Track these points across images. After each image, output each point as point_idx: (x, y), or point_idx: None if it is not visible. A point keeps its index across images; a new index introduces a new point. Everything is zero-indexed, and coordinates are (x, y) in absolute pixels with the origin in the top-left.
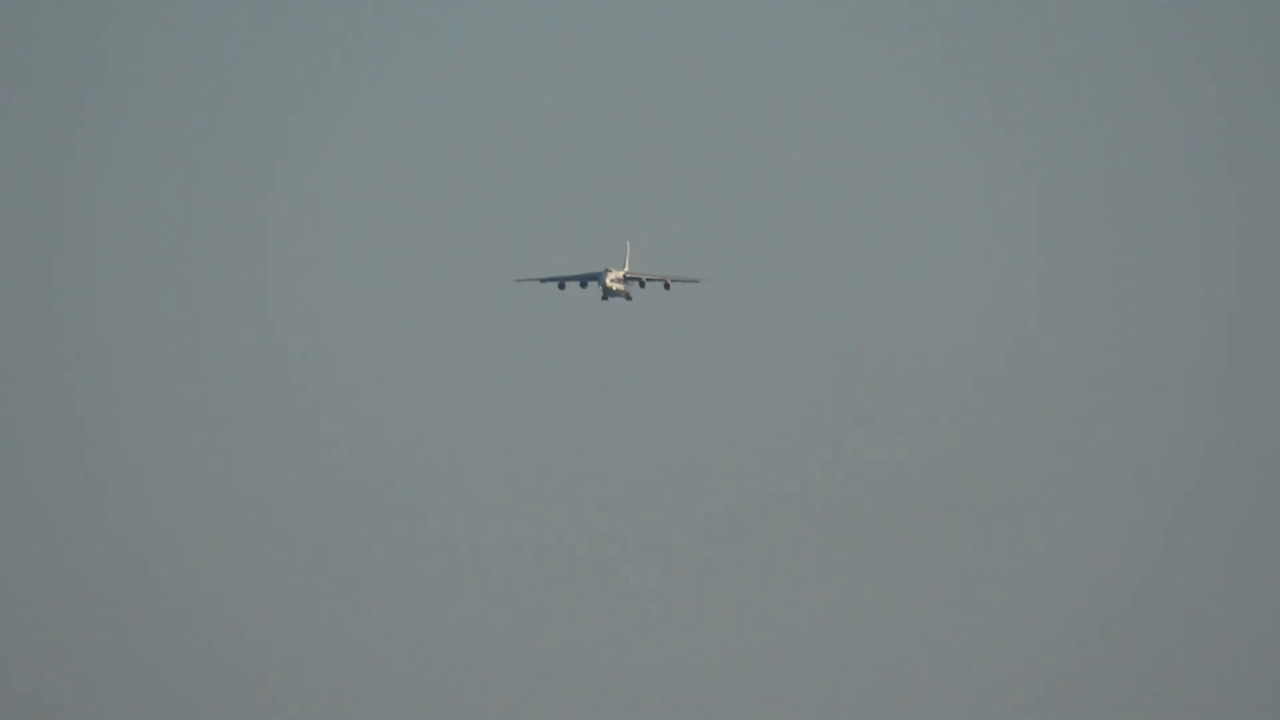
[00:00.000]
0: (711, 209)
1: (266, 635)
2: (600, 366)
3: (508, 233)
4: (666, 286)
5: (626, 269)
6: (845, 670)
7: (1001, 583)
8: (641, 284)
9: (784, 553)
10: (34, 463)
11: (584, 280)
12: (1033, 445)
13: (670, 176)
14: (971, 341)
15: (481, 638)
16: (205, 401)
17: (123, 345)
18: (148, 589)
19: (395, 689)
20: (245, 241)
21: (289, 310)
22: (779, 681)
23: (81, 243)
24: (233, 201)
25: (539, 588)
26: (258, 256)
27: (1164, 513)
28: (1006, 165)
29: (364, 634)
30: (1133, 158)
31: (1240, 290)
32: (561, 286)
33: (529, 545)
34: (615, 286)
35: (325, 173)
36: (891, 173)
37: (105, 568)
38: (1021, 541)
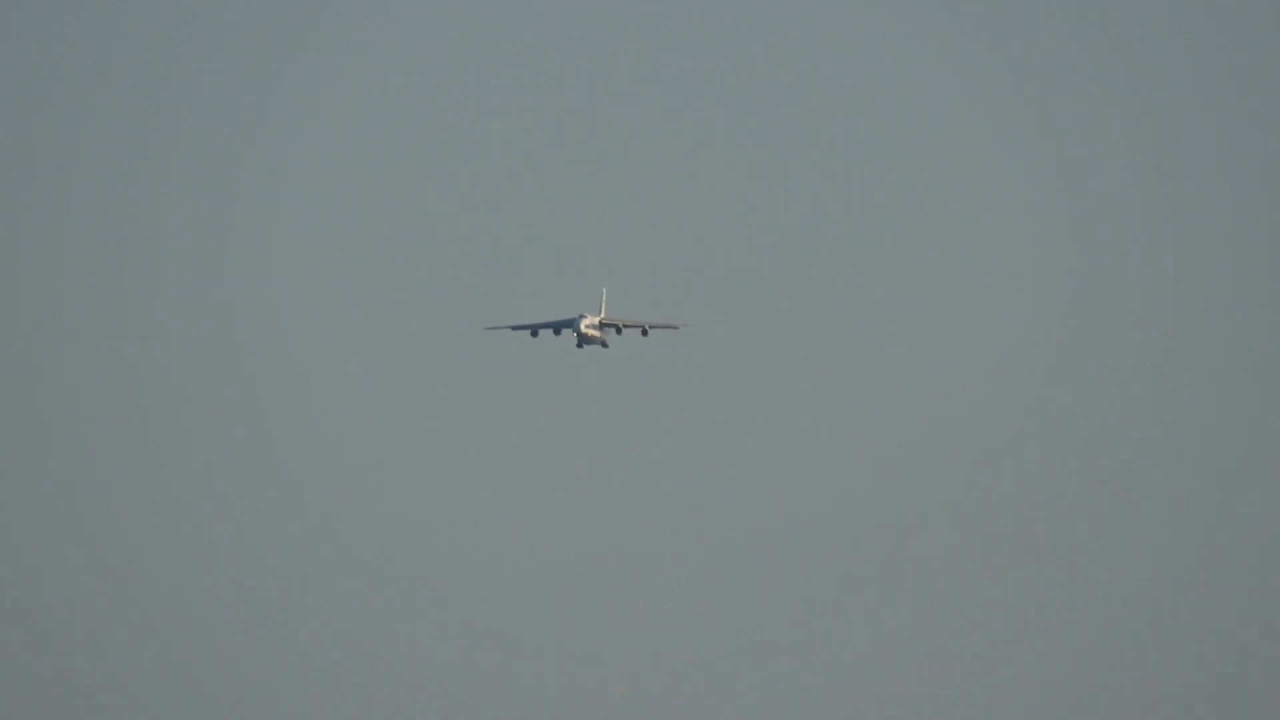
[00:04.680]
0: (690, 253)
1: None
2: (576, 418)
3: (477, 278)
4: (644, 333)
5: (603, 315)
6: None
7: (1009, 610)
8: (618, 330)
9: (767, 598)
10: (32, 463)
11: (558, 327)
12: (1040, 474)
13: (647, 219)
14: (964, 373)
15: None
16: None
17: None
18: (143, 590)
19: None
20: (217, 290)
21: (257, 360)
22: None
23: (74, 249)
24: (204, 247)
25: (514, 637)
26: (227, 306)
27: (1202, 535)
28: (1005, 210)
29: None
30: (1133, 161)
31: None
32: (534, 334)
33: (500, 596)
34: (591, 333)
35: (297, 221)
36: (877, 212)
37: (102, 568)
38: (1031, 572)
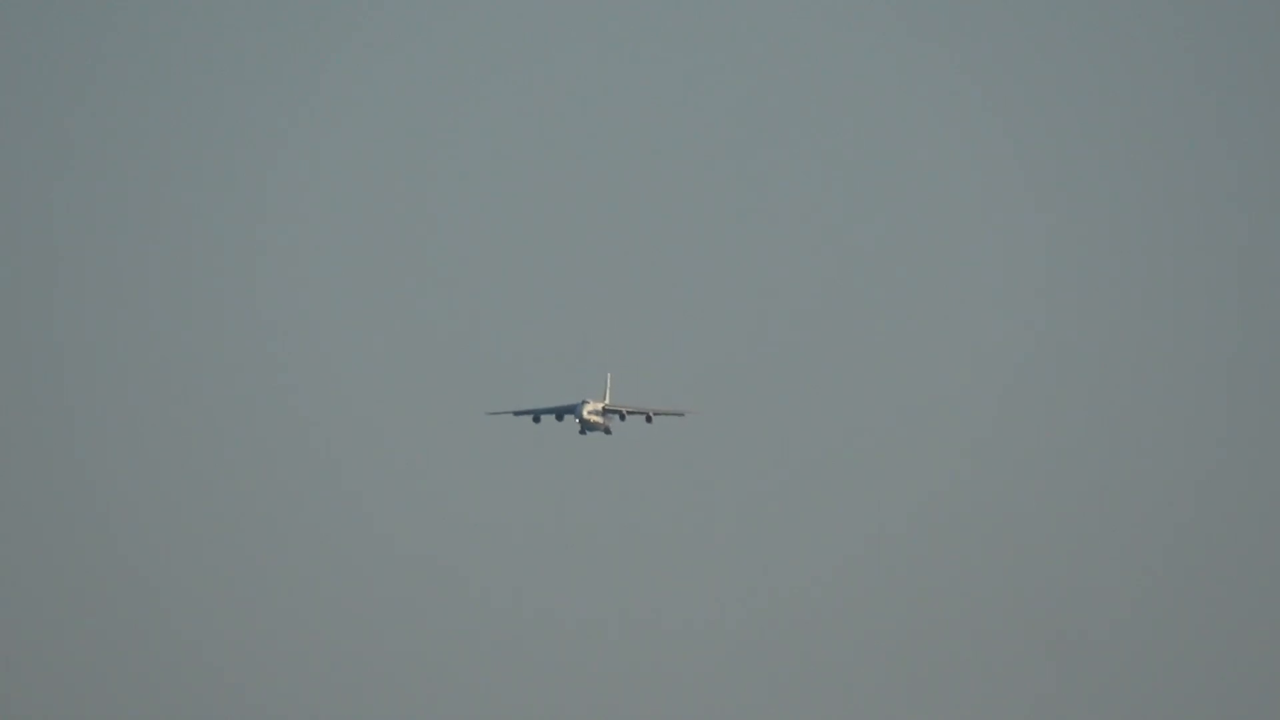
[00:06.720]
0: (696, 337)
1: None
2: (578, 506)
3: (478, 363)
4: (649, 419)
5: (606, 400)
6: None
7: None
8: (622, 416)
9: (773, 685)
10: (28, 462)
11: (560, 413)
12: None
13: (653, 302)
14: (979, 459)
15: None
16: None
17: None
18: (134, 590)
19: None
20: (215, 355)
21: (252, 464)
22: None
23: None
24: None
25: None
26: (224, 383)
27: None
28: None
29: None
30: (1135, 167)
31: None
32: (536, 420)
33: (500, 690)
34: (594, 419)
35: (295, 304)
36: (889, 297)
37: (98, 569)
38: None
